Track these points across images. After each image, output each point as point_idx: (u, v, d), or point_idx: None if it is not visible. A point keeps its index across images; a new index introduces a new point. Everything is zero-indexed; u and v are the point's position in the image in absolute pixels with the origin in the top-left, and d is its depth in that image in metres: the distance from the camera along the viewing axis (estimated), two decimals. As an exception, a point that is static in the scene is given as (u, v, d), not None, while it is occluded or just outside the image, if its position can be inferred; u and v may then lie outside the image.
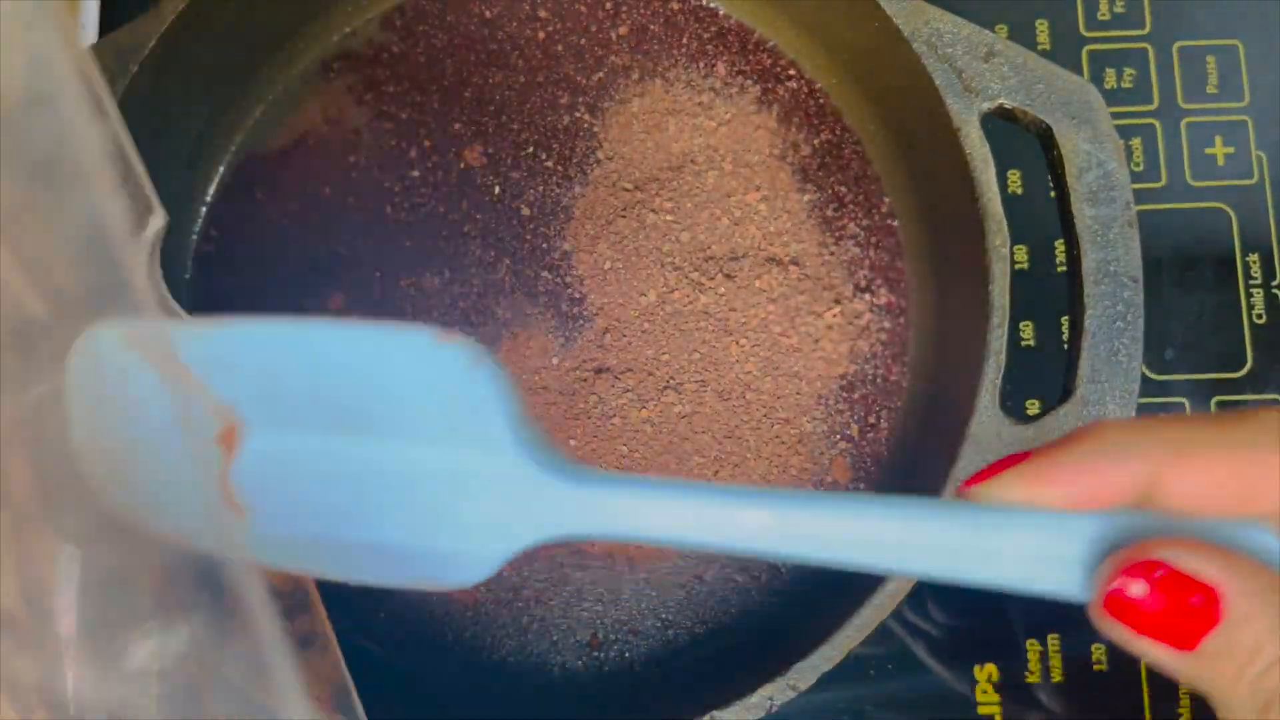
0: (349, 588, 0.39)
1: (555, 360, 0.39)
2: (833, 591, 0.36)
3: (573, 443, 0.39)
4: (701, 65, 0.41)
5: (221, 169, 0.41)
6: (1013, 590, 0.19)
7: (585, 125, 0.41)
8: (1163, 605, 0.18)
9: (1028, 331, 0.41)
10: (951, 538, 0.20)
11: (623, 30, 0.41)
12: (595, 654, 0.38)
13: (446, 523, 0.22)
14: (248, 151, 0.41)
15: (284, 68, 0.41)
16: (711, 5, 0.41)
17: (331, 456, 0.23)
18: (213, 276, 0.40)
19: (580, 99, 0.41)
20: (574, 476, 0.22)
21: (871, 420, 0.39)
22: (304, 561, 0.24)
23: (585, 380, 0.39)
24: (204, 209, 0.41)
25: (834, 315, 0.39)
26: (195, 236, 0.40)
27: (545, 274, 0.40)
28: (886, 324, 0.39)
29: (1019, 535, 0.19)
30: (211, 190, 0.41)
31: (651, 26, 0.41)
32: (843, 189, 0.40)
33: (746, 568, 0.38)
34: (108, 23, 0.43)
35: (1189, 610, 0.18)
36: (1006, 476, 0.20)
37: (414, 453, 0.22)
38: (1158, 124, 0.42)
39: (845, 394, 0.39)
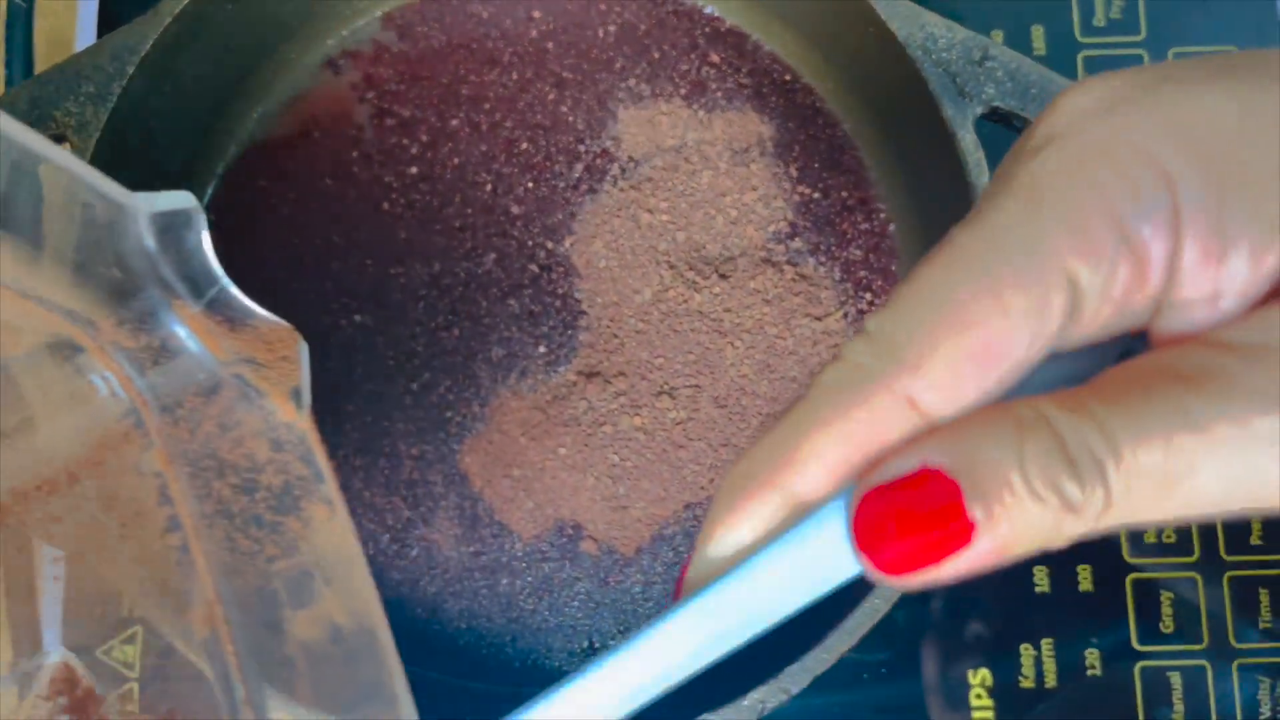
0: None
1: (543, 363, 0.39)
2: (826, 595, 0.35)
3: (561, 451, 0.38)
4: (695, 64, 0.41)
5: (222, 162, 0.41)
6: (820, 595, 0.19)
7: (575, 123, 0.41)
8: (908, 508, 0.17)
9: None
10: (738, 607, 0.19)
11: (614, 29, 0.42)
12: (590, 659, 0.38)
13: None
14: (252, 142, 0.41)
15: (287, 65, 0.41)
16: (705, 9, 0.42)
17: None
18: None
19: (570, 95, 0.41)
20: None
21: (865, 423, 0.39)
22: None
23: (575, 385, 0.39)
24: (205, 199, 0.41)
25: (831, 319, 0.39)
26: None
27: (533, 267, 0.40)
28: (881, 327, 0.39)
29: (781, 562, 0.19)
30: (213, 181, 0.41)
31: (642, 27, 0.42)
32: (839, 192, 0.40)
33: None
34: (106, 24, 0.43)
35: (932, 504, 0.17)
36: (715, 537, 0.19)
37: None
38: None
39: (840, 397, 0.39)
